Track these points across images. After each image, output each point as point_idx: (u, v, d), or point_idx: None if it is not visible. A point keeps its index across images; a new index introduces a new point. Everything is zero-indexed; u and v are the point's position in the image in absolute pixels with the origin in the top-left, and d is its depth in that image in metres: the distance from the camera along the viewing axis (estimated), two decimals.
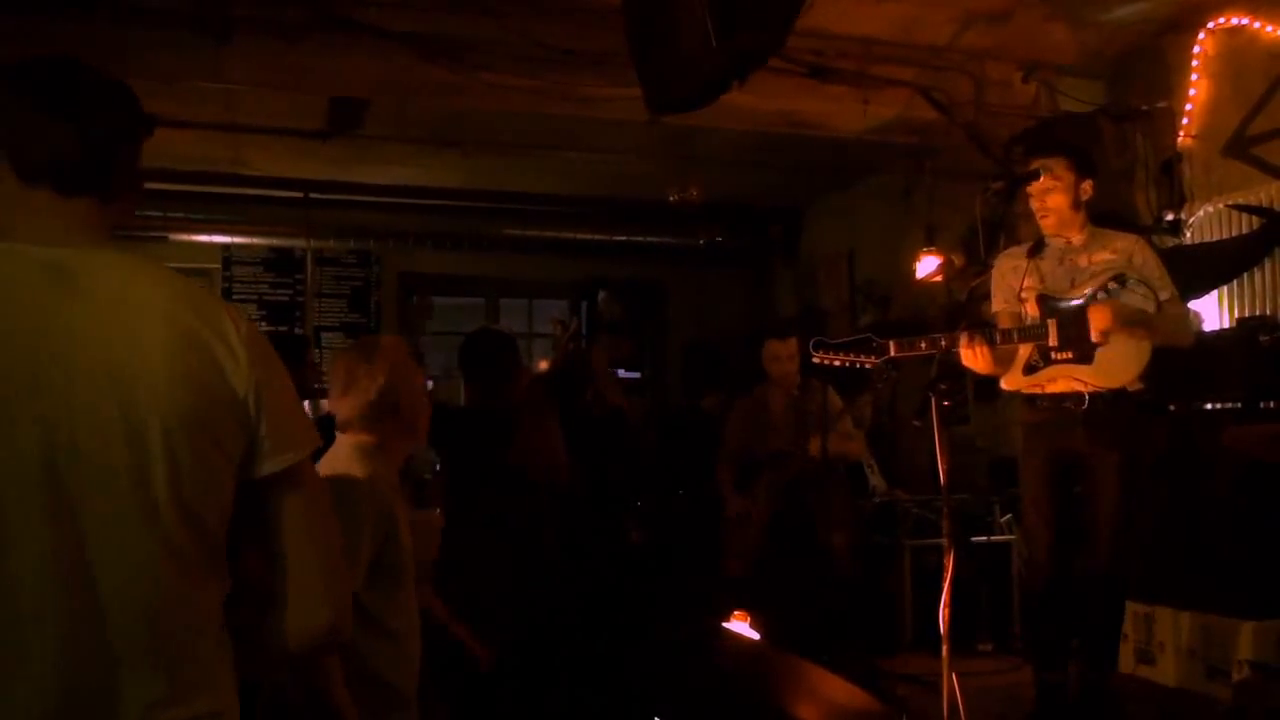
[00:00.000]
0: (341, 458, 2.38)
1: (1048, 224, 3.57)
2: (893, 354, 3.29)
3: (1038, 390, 3.55)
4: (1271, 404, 4.05)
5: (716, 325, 8.80)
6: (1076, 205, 3.56)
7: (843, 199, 8.09)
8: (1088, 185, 3.56)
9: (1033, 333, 3.45)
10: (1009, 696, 4.13)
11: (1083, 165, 3.58)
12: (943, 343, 3.30)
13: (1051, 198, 3.52)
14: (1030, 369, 3.51)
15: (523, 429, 4.01)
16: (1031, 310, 3.53)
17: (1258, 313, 4.55)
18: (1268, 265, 4.58)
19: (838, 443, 4.60)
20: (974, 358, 3.30)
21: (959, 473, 5.33)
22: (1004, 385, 3.66)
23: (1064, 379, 3.48)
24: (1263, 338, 4.17)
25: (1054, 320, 3.42)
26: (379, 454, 2.40)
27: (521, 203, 8.13)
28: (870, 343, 3.30)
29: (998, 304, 3.68)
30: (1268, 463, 3.40)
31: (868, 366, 3.33)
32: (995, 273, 3.73)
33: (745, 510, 4.80)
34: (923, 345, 3.31)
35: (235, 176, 7.23)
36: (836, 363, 3.33)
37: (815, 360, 3.36)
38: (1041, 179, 3.52)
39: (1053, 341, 3.42)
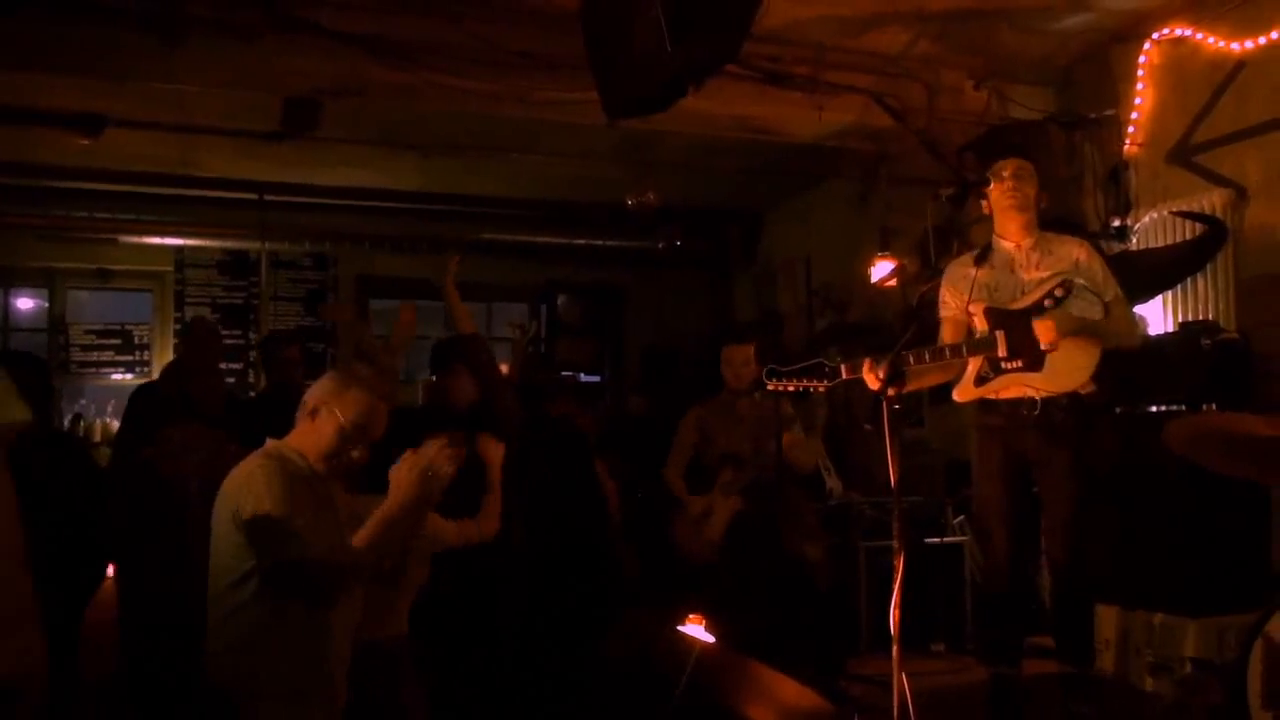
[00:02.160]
0: (259, 453, 2.61)
1: (1016, 211, 3.62)
2: (844, 376, 3.32)
3: (991, 396, 3.60)
4: (1213, 406, 4.15)
5: (676, 328, 8.83)
6: (1036, 205, 3.66)
7: (800, 203, 8.15)
8: (1043, 194, 3.68)
9: (981, 345, 3.50)
10: (961, 696, 4.17)
11: (1040, 173, 3.71)
12: (912, 359, 3.34)
13: (1026, 184, 3.61)
14: (981, 380, 3.56)
15: None
16: (980, 324, 3.59)
17: (1200, 317, 4.64)
18: (1210, 271, 4.68)
19: (788, 449, 4.60)
20: (877, 381, 3.20)
21: (913, 475, 5.41)
22: (956, 398, 3.70)
23: (1016, 385, 3.53)
24: (1205, 342, 4.27)
25: (1002, 331, 3.48)
26: (295, 455, 2.60)
27: (479, 206, 8.10)
28: (822, 367, 3.34)
29: (947, 310, 3.73)
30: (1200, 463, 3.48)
31: (820, 390, 3.38)
32: (946, 279, 3.78)
33: (709, 508, 4.78)
34: (866, 364, 3.29)
35: (188, 178, 7.14)
36: (790, 388, 3.37)
37: (770, 388, 3.39)
38: (1013, 168, 3.61)
39: (1002, 352, 3.47)
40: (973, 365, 3.58)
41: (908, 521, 3.29)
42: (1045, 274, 3.56)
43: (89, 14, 4.32)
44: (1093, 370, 3.49)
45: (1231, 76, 4.63)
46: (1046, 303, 3.46)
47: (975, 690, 4.18)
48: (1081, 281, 3.52)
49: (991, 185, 3.62)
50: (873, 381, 3.23)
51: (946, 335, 3.69)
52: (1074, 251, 3.62)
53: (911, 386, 3.48)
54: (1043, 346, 3.42)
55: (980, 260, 3.62)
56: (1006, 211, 3.63)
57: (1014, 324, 3.48)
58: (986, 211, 3.71)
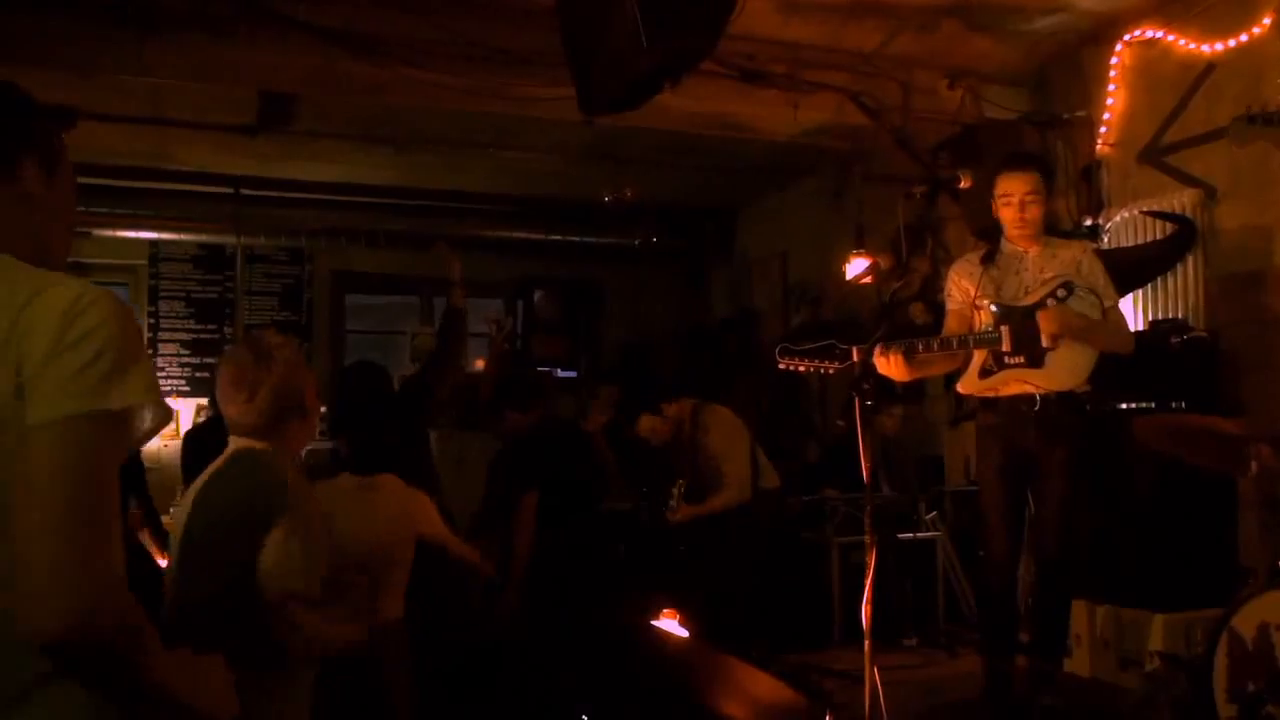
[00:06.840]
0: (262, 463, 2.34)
1: (1025, 234, 3.67)
2: (856, 359, 3.32)
3: (992, 394, 3.67)
4: (1181, 403, 4.21)
5: (652, 325, 8.84)
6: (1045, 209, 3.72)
7: (776, 201, 8.18)
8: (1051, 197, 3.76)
9: (987, 338, 3.56)
10: (932, 689, 4.23)
11: (1050, 177, 3.78)
12: (921, 347, 3.40)
13: (1031, 210, 3.65)
14: (985, 373, 3.63)
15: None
16: (985, 318, 3.65)
17: (1170, 316, 4.70)
18: (1179, 270, 4.73)
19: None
20: (888, 366, 3.34)
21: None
22: (960, 389, 3.80)
23: (1016, 382, 3.60)
24: (1174, 340, 4.33)
25: (1007, 326, 3.54)
26: (276, 457, 2.30)
27: (456, 201, 8.08)
28: (833, 348, 3.34)
29: (953, 304, 3.81)
30: (1169, 456, 3.54)
31: (830, 372, 3.39)
32: (951, 275, 3.86)
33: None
34: (878, 349, 3.33)
35: (163, 171, 7.09)
36: (801, 368, 3.38)
37: (781, 366, 3.39)
38: (1026, 194, 3.63)
39: (1006, 346, 3.54)
40: (977, 358, 3.65)
41: (880, 517, 3.32)
42: (1049, 275, 3.63)
43: (60, 6, 4.28)
44: (1090, 371, 3.57)
45: (1201, 78, 4.69)
46: (1050, 301, 3.55)
47: (946, 683, 4.24)
48: (1084, 285, 3.59)
49: (1001, 210, 3.67)
50: (883, 365, 3.31)
51: (951, 327, 3.75)
52: (1077, 255, 3.71)
53: (918, 374, 3.55)
54: (1045, 341, 3.48)
55: (988, 259, 3.71)
56: (1015, 231, 3.69)
57: (1019, 320, 3.55)
58: (995, 216, 3.74)
